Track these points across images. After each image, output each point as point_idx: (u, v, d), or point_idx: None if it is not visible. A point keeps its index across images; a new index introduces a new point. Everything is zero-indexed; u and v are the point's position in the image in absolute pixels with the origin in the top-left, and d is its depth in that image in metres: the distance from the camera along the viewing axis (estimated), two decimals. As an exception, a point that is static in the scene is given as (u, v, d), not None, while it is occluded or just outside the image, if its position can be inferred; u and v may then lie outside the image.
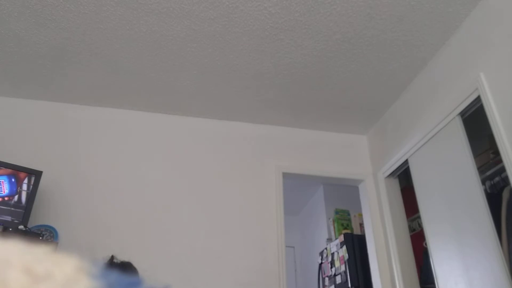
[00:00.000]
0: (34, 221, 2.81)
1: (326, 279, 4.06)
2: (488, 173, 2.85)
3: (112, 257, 1.96)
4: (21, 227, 2.50)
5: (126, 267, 1.96)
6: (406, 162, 3.17)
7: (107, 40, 2.74)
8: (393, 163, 3.29)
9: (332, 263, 3.96)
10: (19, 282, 0.20)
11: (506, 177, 2.67)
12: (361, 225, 4.00)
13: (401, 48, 2.81)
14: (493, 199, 2.63)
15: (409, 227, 3.39)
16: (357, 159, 3.72)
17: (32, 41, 2.75)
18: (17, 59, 2.92)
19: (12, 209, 2.57)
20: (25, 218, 2.58)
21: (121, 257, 2.01)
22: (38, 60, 2.92)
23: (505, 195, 2.62)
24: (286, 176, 3.52)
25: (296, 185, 4.90)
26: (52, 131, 3.23)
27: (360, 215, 4.03)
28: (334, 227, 4.24)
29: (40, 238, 2.63)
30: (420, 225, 3.40)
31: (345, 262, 3.68)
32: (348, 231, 3.97)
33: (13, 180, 2.63)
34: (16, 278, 0.20)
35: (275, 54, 2.86)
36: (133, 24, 2.61)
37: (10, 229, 2.44)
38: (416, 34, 2.70)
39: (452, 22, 2.61)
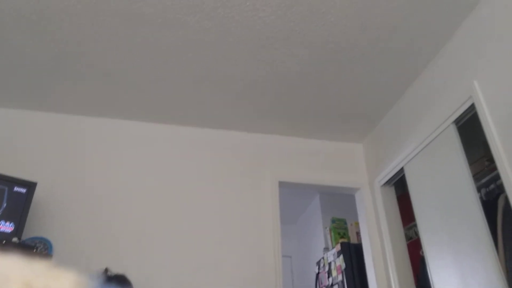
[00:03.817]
0: (29, 233, 2.77)
1: (324, 289, 4.03)
2: (484, 180, 2.85)
3: (106, 269, 1.94)
4: (15, 239, 2.47)
5: (120, 280, 1.94)
6: (401, 170, 3.18)
7: (103, 50, 2.75)
8: (389, 171, 3.30)
9: (329, 273, 3.93)
10: None
11: (501, 185, 2.68)
12: (358, 233, 3.99)
13: (395, 57, 2.84)
14: (489, 206, 2.63)
15: (406, 235, 3.38)
16: (353, 167, 3.72)
17: (27, 53, 2.75)
18: (12, 70, 2.91)
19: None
20: (19, 230, 2.55)
21: (117, 268, 1.99)
22: (33, 71, 2.92)
23: (501, 202, 2.62)
24: (282, 185, 3.51)
25: (292, 194, 4.89)
26: (47, 141, 3.21)
27: (357, 223, 4.02)
28: (331, 236, 4.23)
29: (34, 250, 2.60)
30: (416, 233, 3.39)
31: (342, 272, 3.66)
32: (345, 240, 3.95)
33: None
34: None
35: (270, 63, 2.87)
36: (129, 34, 2.62)
37: (4, 241, 2.41)
38: (410, 44, 2.73)
39: (445, 32, 2.64)
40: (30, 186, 2.68)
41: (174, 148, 3.45)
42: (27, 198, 2.65)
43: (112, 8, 2.42)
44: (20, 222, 2.57)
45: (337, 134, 3.72)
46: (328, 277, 3.94)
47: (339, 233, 4.18)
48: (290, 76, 3.00)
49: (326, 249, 4.31)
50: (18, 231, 2.54)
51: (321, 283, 4.12)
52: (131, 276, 2.01)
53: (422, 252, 2.91)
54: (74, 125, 3.34)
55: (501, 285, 2.13)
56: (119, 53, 2.77)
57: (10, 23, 2.52)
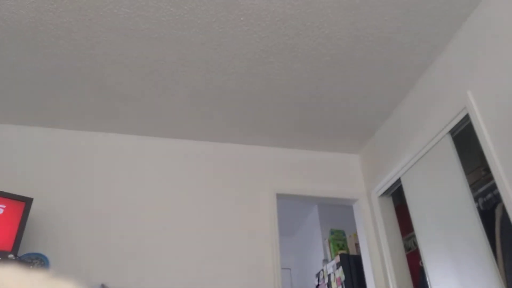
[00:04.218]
0: (25, 249, 2.76)
1: (323, 301, 4.00)
2: (481, 190, 2.86)
3: (103, 285, 1.93)
4: (11, 256, 2.46)
5: None
6: (399, 181, 3.18)
7: (99, 65, 2.76)
8: (386, 182, 3.30)
9: (329, 285, 3.90)
10: None
11: (499, 194, 2.68)
12: (357, 245, 3.97)
13: (389, 69, 2.86)
14: (487, 216, 2.63)
15: (405, 246, 3.37)
16: (350, 178, 3.72)
17: (23, 67, 2.77)
18: (8, 85, 2.92)
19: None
20: (15, 247, 2.53)
21: (115, 283, 1.98)
22: (29, 86, 2.93)
23: (498, 212, 2.62)
24: (280, 197, 3.50)
25: (290, 206, 4.88)
26: (43, 156, 3.21)
27: (356, 235, 4.00)
28: (330, 248, 4.21)
29: (31, 267, 2.58)
30: (415, 244, 3.38)
31: (342, 283, 3.63)
32: (344, 252, 3.93)
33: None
34: None
35: (266, 77, 2.89)
36: (124, 49, 2.64)
37: (0, 258, 2.39)
38: (404, 55, 2.75)
39: (439, 43, 2.67)
40: (27, 202, 2.67)
41: (171, 161, 3.44)
42: (24, 214, 2.63)
43: (107, 24, 2.45)
44: (16, 238, 2.55)
45: (333, 145, 3.73)
46: (328, 289, 3.91)
47: (338, 245, 4.16)
48: (286, 89, 3.01)
49: (325, 261, 4.29)
50: (14, 247, 2.53)
51: (321, 296, 4.08)
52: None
53: (422, 263, 2.89)
54: (70, 140, 3.34)
55: (500, 296, 2.12)
56: (115, 68, 2.79)
57: (6, 39, 2.54)
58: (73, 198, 3.08)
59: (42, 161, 3.19)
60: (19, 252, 2.58)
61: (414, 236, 3.24)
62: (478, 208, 2.70)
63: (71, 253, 2.86)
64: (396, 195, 3.50)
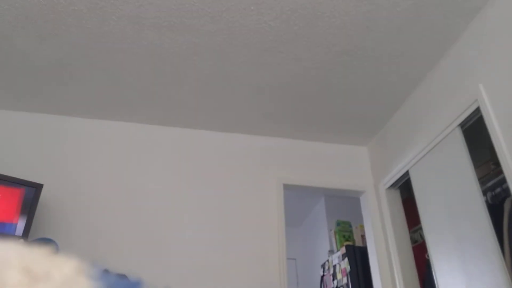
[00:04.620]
0: (34, 234, 2.80)
1: (328, 292, 4.02)
2: (489, 184, 2.84)
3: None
4: (20, 241, 2.50)
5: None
6: (407, 173, 3.17)
7: (109, 54, 2.77)
8: (394, 174, 3.29)
9: (334, 276, 3.92)
10: (18, 281, 0.21)
11: (507, 188, 2.66)
12: (363, 236, 3.98)
13: (400, 60, 2.84)
14: (495, 210, 2.62)
15: (411, 238, 3.37)
16: (358, 170, 3.72)
17: (34, 55, 2.79)
18: (19, 73, 2.95)
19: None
20: (25, 232, 2.57)
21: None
22: (40, 74, 2.95)
23: (507, 206, 2.61)
24: (287, 187, 3.51)
25: (297, 197, 4.89)
26: (53, 144, 3.24)
27: (362, 226, 4.01)
28: (335, 239, 4.22)
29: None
30: (422, 237, 3.38)
31: (347, 275, 3.65)
32: (350, 243, 3.94)
33: None
34: (15, 278, 0.21)
35: (275, 67, 2.88)
36: (135, 38, 2.64)
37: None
38: (415, 46, 2.73)
39: (451, 34, 2.64)
40: (37, 188, 2.71)
41: (179, 150, 3.46)
42: (34, 199, 2.67)
43: (118, 12, 2.45)
44: (26, 223, 2.59)
45: (342, 137, 3.72)
46: (333, 279, 3.93)
47: (344, 236, 4.17)
48: (295, 79, 3.01)
49: (331, 251, 4.30)
50: (24, 232, 2.57)
51: (326, 286, 4.11)
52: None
53: (428, 256, 2.90)
54: (81, 128, 3.37)
55: (507, 289, 2.12)
56: (125, 56, 2.80)
57: (18, 27, 2.55)
58: (82, 185, 3.11)
59: (52, 148, 3.23)
60: (29, 237, 2.62)
61: (420, 228, 3.23)
62: (486, 202, 2.68)
63: (80, 239, 2.90)
64: (404, 188, 3.50)
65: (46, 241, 2.80)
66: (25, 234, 2.57)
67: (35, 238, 2.77)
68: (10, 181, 2.65)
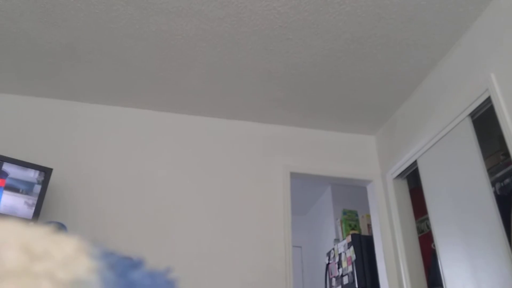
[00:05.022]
0: (43, 218, 2.84)
1: (333, 279, 4.05)
2: (498, 174, 2.81)
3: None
4: (30, 224, 2.53)
5: None
6: (415, 163, 3.15)
7: (117, 39, 2.77)
8: (402, 164, 3.27)
9: (340, 264, 3.94)
10: (16, 260, 0.21)
11: (517, 179, 2.64)
12: (369, 226, 3.98)
13: (411, 48, 2.80)
14: (503, 201, 2.60)
15: (418, 228, 3.36)
16: (365, 159, 3.70)
17: (42, 40, 2.79)
18: (27, 58, 2.96)
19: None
20: (35, 215, 2.61)
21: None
22: (48, 58, 2.96)
23: (515, 197, 2.59)
24: (293, 176, 3.51)
25: (303, 185, 4.90)
26: (61, 129, 3.27)
27: (368, 216, 4.01)
28: (341, 228, 4.23)
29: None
30: (428, 227, 3.37)
31: (352, 263, 3.66)
32: (356, 232, 3.95)
33: (23, 176, 2.66)
34: (14, 256, 0.21)
35: (284, 54, 2.86)
36: (143, 23, 2.63)
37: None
38: (426, 34, 2.68)
39: (463, 22, 2.59)
40: (46, 172, 2.74)
41: (185, 137, 3.47)
42: (44, 183, 2.71)
43: (126, -3, 2.44)
44: (36, 206, 2.63)
45: (350, 126, 3.70)
46: (338, 268, 3.95)
47: (350, 225, 4.17)
48: (303, 67, 2.98)
49: (337, 240, 4.32)
50: (34, 215, 2.61)
51: (331, 274, 4.13)
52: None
53: (434, 246, 2.89)
54: (87, 113, 3.39)
55: (512, 281, 2.11)
56: (133, 42, 2.79)
57: (26, 11, 2.55)
58: (90, 170, 3.14)
59: (61, 133, 3.25)
60: (38, 221, 2.66)
61: (427, 218, 3.22)
62: (495, 192, 2.66)
63: (88, 223, 2.94)
64: (411, 178, 3.48)
65: (56, 224, 2.84)
66: (35, 217, 2.60)
67: (44, 221, 2.81)
68: (20, 165, 2.68)
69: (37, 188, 2.67)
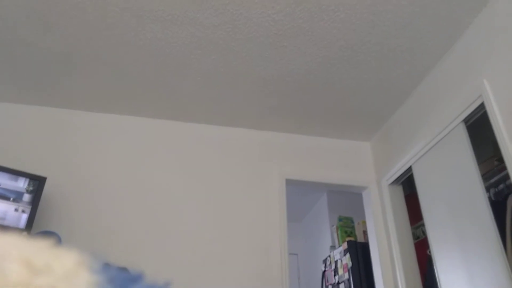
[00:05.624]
0: (38, 227, 2.81)
1: (330, 287, 4.03)
2: (493, 180, 2.83)
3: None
4: (24, 233, 2.50)
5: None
6: (410, 169, 3.16)
7: (112, 46, 2.77)
8: (397, 170, 3.28)
9: (336, 271, 3.93)
10: (18, 274, 0.20)
11: (511, 185, 2.65)
12: (365, 232, 3.98)
13: (405, 55, 2.82)
14: (498, 206, 2.61)
15: (413, 234, 3.36)
16: (360, 165, 3.71)
17: (38, 47, 2.78)
18: (23, 65, 2.95)
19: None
20: (28, 224, 2.58)
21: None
22: (43, 66, 2.95)
23: (510, 202, 2.60)
24: (289, 182, 3.51)
25: (299, 192, 4.89)
26: (56, 137, 3.25)
27: (364, 222, 4.01)
28: (337, 234, 4.22)
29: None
30: (424, 233, 3.38)
31: (348, 270, 3.66)
32: (352, 239, 3.94)
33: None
34: (15, 270, 0.20)
35: (278, 61, 2.87)
36: (138, 31, 2.63)
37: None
38: (420, 41, 2.70)
39: (456, 29, 2.62)
40: (40, 181, 2.71)
41: (182, 144, 3.46)
42: (37, 192, 2.68)
43: (122, 5, 2.44)
44: (30, 216, 2.60)
45: (345, 132, 3.71)
46: (335, 275, 3.94)
47: (346, 232, 4.17)
48: (298, 74, 2.99)
49: (333, 247, 4.31)
50: (27, 225, 2.58)
51: (327, 281, 4.12)
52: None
53: (430, 252, 2.89)
54: (84, 121, 3.37)
55: (509, 286, 2.11)
56: (129, 50, 2.79)
57: (22, 18, 2.55)
58: (86, 178, 3.12)
59: (56, 141, 3.23)
60: (32, 230, 2.63)
61: (423, 225, 3.23)
62: (489, 198, 2.67)
63: (84, 232, 2.91)
64: (406, 184, 3.49)
65: (49, 234, 2.80)
66: (29, 227, 2.57)
67: (38, 231, 2.78)
68: (14, 173, 2.65)
69: (27, 197, 2.64)
